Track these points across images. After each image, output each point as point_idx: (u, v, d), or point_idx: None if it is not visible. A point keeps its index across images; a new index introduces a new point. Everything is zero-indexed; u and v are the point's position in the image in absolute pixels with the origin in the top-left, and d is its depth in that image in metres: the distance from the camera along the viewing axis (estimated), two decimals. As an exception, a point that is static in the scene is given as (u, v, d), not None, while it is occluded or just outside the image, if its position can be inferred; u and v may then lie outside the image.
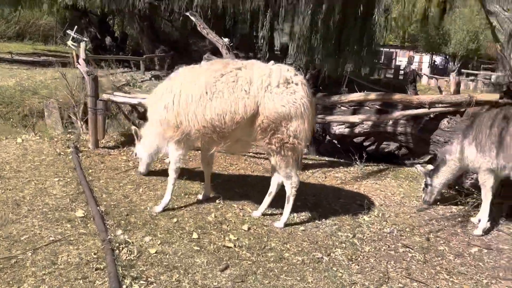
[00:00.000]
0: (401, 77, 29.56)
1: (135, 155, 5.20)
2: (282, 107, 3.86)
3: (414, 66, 41.70)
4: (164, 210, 4.37)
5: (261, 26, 14.01)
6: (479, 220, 4.63)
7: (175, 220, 4.17)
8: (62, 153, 5.82)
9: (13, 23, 28.41)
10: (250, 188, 5.32)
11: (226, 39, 11.50)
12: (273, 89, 3.91)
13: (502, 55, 6.46)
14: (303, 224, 4.40)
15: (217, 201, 4.76)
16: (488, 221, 4.49)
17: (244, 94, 3.91)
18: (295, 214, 4.52)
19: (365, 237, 4.23)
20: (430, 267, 3.79)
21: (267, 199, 4.48)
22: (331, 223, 4.47)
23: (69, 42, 25.53)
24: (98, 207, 4.17)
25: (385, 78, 28.37)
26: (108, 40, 22.47)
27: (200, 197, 4.84)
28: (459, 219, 4.87)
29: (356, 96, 6.34)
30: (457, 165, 4.80)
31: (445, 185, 5.05)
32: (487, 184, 4.40)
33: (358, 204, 5.08)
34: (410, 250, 4.07)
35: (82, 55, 10.51)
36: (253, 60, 4.31)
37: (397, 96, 6.30)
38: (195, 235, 3.87)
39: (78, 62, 11.69)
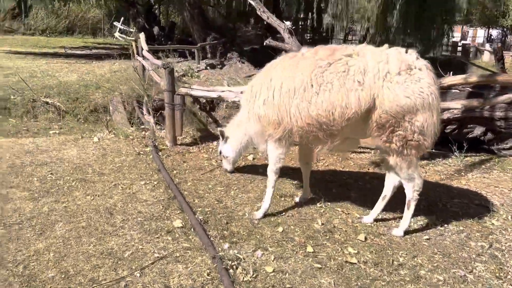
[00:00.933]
0: (458, 54, 27.81)
1: (220, 154, 4.80)
2: (406, 98, 3.27)
3: (468, 41, 39.24)
4: (265, 216, 3.94)
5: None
6: None
7: (280, 229, 3.73)
8: (141, 152, 5.52)
9: (63, 17, 28.91)
10: (348, 187, 4.81)
11: (288, 23, 10.93)
12: (394, 77, 3.32)
13: None
14: (423, 231, 3.84)
15: (318, 204, 4.28)
16: None
17: (357, 86, 3.36)
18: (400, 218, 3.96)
19: (504, 247, 3.61)
20: None
21: (381, 204, 3.94)
22: (456, 229, 3.88)
23: (117, 34, 25.69)
24: (195, 216, 3.80)
25: (441, 56, 26.76)
26: (156, 30, 22.34)
27: (297, 199, 4.39)
28: None
29: (456, 79, 5.61)
30: None
31: None
32: None
33: (476, 204, 4.46)
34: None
35: (144, 46, 10.31)
36: (363, 45, 3.73)
37: (501, 78, 5.55)
38: (309, 248, 3.41)
39: (137, 54, 11.54)
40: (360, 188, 4.80)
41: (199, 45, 14.89)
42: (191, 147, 5.87)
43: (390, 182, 3.86)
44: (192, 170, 5.10)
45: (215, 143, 6.07)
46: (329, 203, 4.32)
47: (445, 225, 3.94)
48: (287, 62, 3.76)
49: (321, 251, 3.41)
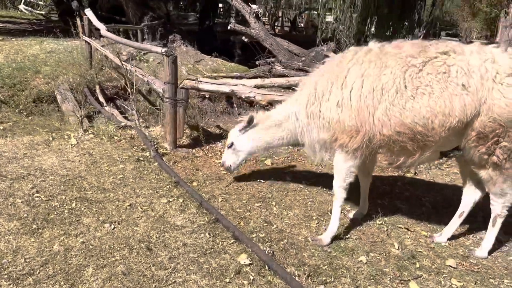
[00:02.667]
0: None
1: (231, 146, 3.93)
2: None
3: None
4: (333, 240, 3.34)
5: None
6: None
7: (362, 258, 3.15)
8: (141, 158, 4.55)
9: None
10: (390, 196, 4.35)
11: (254, 6, 10.20)
12: (504, 79, 2.86)
13: None
14: (500, 249, 3.49)
15: (378, 221, 3.76)
16: None
17: (461, 90, 2.86)
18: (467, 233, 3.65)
19: None
20: None
21: (457, 221, 3.52)
22: (531, 245, 3.60)
23: (21, 6, 22.66)
24: (263, 248, 3.06)
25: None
26: (74, 4, 19.96)
27: (351, 215, 3.83)
28: None
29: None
30: None
31: None
32: None
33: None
34: None
35: (99, 25, 8.90)
36: (454, 42, 3.22)
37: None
38: (413, 285, 2.88)
39: (83, 33, 9.99)
40: (402, 197, 4.36)
41: (143, 25, 13.50)
42: (194, 150, 5.00)
43: (470, 196, 3.44)
44: (212, 180, 4.29)
45: (219, 144, 5.26)
46: (385, 218, 3.83)
47: (507, 236, 3.65)
48: (365, 56, 3.13)
49: (425, 285, 2.90)
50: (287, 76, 9.11)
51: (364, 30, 9.03)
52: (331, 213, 3.79)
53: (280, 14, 28.51)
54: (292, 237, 3.37)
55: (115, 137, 5.06)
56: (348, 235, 3.49)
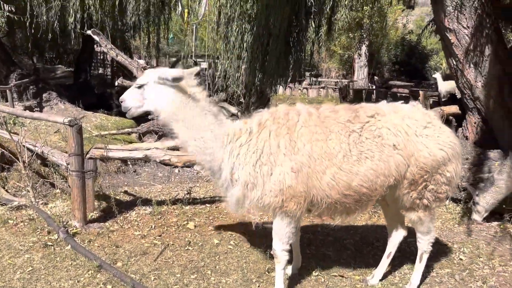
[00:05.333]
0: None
1: (121, 102, 3.29)
2: (440, 150, 3.21)
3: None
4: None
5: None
6: (535, 236, 4.77)
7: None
8: (49, 243, 4.00)
9: None
10: (317, 245, 4.48)
11: (141, 61, 10.15)
12: (423, 131, 3.22)
13: (457, 68, 6.98)
14: (432, 282, 3.80)
15: (314, 273, 3.84)
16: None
17: (393, 150, 3.14)
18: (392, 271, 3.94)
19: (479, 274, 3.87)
20: None
21: (385, 261, 3.77)
22: (443, 272, 3.99)
23: None
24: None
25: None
26: None
27: (288, 272, 3.81)
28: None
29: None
30: (508, 185, 4.83)
31: (495, 204, 5.02)
32: None
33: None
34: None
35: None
36: (373, 104, 3.51)
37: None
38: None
39: None
40: (327, 243, 4.53)
41: (12, 84, 12.19)
42: (108, 224, 4.57)
43: (396, 237, 3.74)
44: (137, 256, 3.95)
45: (133, 213, 4.90)
46: (319, 268, 3.92)
47: (431, 269, 4.02)
48: (307, 119, 3.18)
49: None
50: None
51: (253, 79, 9.42)
52: (268, 272, 3.79)
53: (155, 64, 28.40)
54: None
55: (10, 221, 4.38)
56: (295, 296, 3.49)
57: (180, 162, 4.55)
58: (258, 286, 3.59)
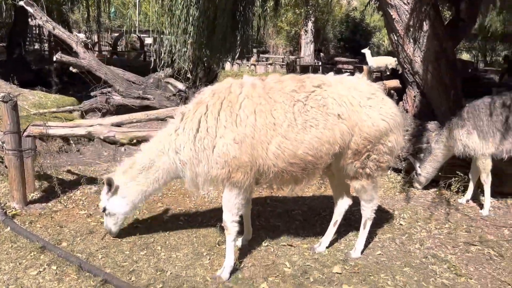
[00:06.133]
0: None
1: (104, 211, 3.66)
2: (383, 121, 3.34)
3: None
4: (231, 273, 3.35)
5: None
6: (467, 201, 5.14)
7: (261, 285, 3.25)
8: (-16, 226, 3.77)
9: None
10: (266, 217, 4.56)
11: (81, 35, 9.70)
12: (367, 102, 3.34)
13: (398, 43, 7.26)
14: (368, 248, 4.00)
15: (264, 243, 3.92)
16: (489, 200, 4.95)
17: (338, 119, 3.23)
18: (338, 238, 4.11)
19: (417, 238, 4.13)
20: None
21: (332, 230, 3.91)
22: (385, 236, 4.22)
23: None
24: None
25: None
26: None
27: (239, 244, 3.87)
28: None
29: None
30: (443, 153, 5.14)
31: (434, 172, 5.35)
32: (487, 168, 4.83)
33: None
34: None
35: None
36: (321, 75, 3.57)
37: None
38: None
39: None
40: (275, 215, 4.63)
41: None
42: (51, 204, 4.38)
43: (342, 205, 3.88)
44: (83, 236, 3.83)
45: (77, 192, 4.72)
46: (269, 239, 4.01)
47: (374, 235, 4.23)
48: (253, 92, 3.23)
49: (325, 298, 3.14)
50: (127, 106, 8.76)
51: (200, 55, 9.25)
52: (219, 245, 3.82)
53: (96, 39, 27.11)
54: (191, 280, 3.26)
55: None
56: (242, 265, 3.54)
57: (125, 139, 4.42)
58: (209, 259, 3.61)
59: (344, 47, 30.31)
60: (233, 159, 3.09)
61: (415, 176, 5.48)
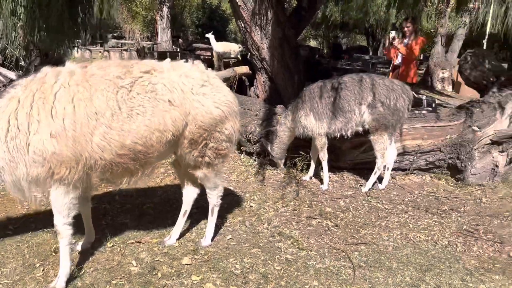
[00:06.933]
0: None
1: None
2: (217, 109, 3.32)
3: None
4: (68, 282, 3.04)
5: None
6: (311, 177, 5.56)
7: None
8: None
9: None
10: (113, 215, 4.27)
11: None
12: (200, 89, 3.28)
13: (246, 31, 7.52)
14: (219, 234, 4.03)
15: (109, 244, 3.65)
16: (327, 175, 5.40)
17: (169, 106, 3.11)
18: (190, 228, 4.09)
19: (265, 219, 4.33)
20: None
21: (182, 221, 3.82)
22: (235, 220, 4.29)
23: None
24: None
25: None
26: None
27: (79, 247, 3.56)
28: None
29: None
30: (287, 134, 5.46)
31: (282, 152, 5.63)
32: (324, 146, 5.25)
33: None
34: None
35: None
36: (153, 60, 3.36)
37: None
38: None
39: None
40: (124, 211, 4.37)
41: None
42: None
43: (189, 195, 3.80)
44: None
45: None
46: (115, 238, 3.76)
47: (225, 220, 4.28)
48: (70, 80, 2.92)
49: (172, 292, 3.04)
50: None
51: (33, 40, 8.25)
52: (55, 253, 3.45)
53: None
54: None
55: None
56: (83, 271, 3.24)
57: None
58: (43, 270, 3.22)
59: (202, 33, 30.37)
60: (53, 155, 2.76)
61: (270, 157, 5.72)
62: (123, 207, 4.45)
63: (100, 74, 3.01)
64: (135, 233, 3.91)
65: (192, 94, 3.20)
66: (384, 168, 5.33)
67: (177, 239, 3.80)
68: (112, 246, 3.64)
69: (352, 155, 5.79)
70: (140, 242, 3.74)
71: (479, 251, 3.91)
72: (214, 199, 3.75)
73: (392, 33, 7.30)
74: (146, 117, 3.00)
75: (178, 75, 3.22)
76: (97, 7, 8.52)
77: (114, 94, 2.94)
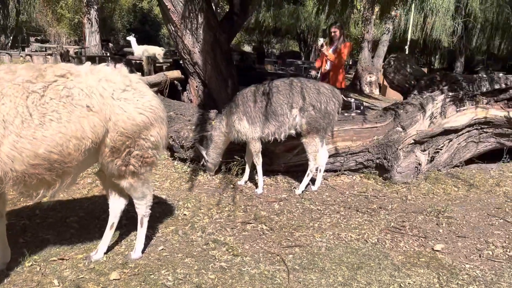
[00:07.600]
0: None
1: None
2: (141, 115, 3.16)
3: None
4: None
5: None
6: (246, 182, 5.54)
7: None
8: None
9: None
10: (33, 231, 3.95)
11: None
12: (121, 94, 3.11)
13: (176, 34, 7.39)
14: (150, 245, 3.86)
15: (28, 263, 3.36)
16: (262, 179, 5.40)
17: (87, 111, 2.93)
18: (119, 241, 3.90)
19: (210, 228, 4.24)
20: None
21: (109, 234, 3.60)
22: (168, 230, 4.15)
23: None
24: None
25: None
26: None
27: (-5, 269, 3.24)
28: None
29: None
30: (222, 139, 5.40)
31: (218, 157, 5.54)
32: (258, 150, 5.24)
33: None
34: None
35: None
36: (68, 64, 3.14)
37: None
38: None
39: None
40: (45, 226, 4.05)
41: None
42: None
43: (117, 206, 3.60)
44: None
45: None
46: (35, 256, 3.47)
47: (157, 230, 4.12)
48: None
49: (98, 311, 2.85)
50: None
51: None
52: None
53: None
54: None
55: None
56: (-2, 295, 2.95)
57: None
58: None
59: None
60: None
61: (204, 163, 5.61)
62: (44, 222, 4.13)
63: (7, 79, 2.76)
64: (57, 249, 3.64)
65: (112, 99, 3.03)
66: (317, 170, 5.43)
67: (105, 253, 3.58)
68: (31, 265, 3.35)
69: (286, 158, 5.84)
70: (63, 259, 3.48)
71: (405, 247, 4.08)
72: (142, 210, 3.58)
73: (321, 40, 7.48)
74: (61, 124, 2.79)
75: (97, 79, 3.04)
76: (13, 7, 7.94)
77: (23, 100, 2.71)
